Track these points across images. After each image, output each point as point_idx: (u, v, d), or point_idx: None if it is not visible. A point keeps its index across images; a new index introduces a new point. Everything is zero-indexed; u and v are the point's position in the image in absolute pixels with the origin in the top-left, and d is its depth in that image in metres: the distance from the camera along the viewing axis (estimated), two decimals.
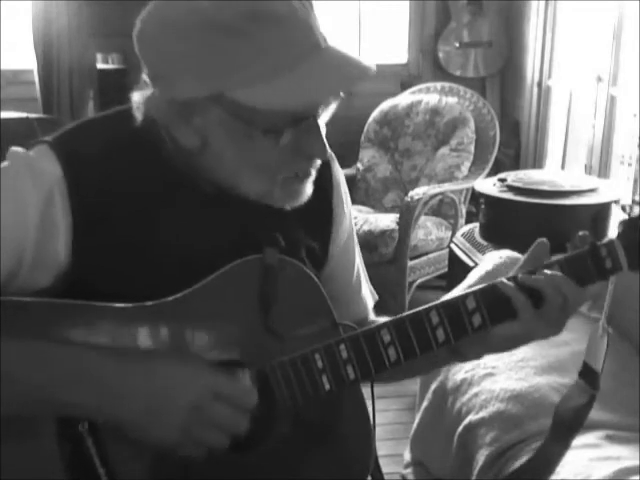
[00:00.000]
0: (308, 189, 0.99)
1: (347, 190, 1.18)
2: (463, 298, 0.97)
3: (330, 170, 1.14)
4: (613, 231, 2.69)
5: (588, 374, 1.06)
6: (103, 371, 0.89)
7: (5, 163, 0.96)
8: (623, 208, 2.42)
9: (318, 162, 0.99)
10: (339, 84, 0.94)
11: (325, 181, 1.11)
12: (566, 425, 1.07)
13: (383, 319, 1.18)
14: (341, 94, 0.97)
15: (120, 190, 0.96)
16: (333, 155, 1.13)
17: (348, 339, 0.97)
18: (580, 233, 0.97)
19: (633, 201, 2.58)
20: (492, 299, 0.96)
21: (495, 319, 0.97)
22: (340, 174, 1.17)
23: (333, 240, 1.14)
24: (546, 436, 1.09)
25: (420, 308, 0.97)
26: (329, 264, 1.14)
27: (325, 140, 0.96)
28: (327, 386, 0.96)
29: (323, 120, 0.97)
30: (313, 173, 0.99)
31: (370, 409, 1.04)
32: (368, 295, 1.22)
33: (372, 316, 1.22)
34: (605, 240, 0.95)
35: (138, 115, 0.96)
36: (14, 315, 0.90)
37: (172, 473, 0.94)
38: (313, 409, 0.99)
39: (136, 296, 0.94)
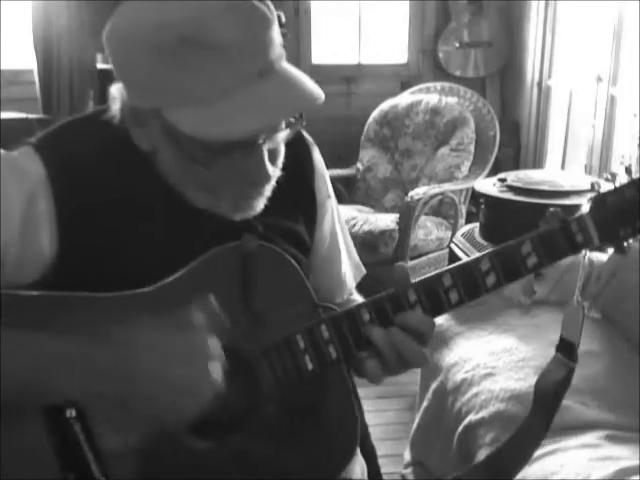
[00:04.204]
0: (259, 204, 1.00)
1: (329, 182, 1.20)
2: (440, 275, 0.98)
3: (310, 155, 1.15)
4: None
5: (565, 347, 1.07)
6: (93, 347, 0.88)
7: None
8: (592, 186, 2.42)
9: (268, 185, 0.99)
10: (264, 119, 0.92)
11: (305, 165, 1.14)
12: (546, 400, 1.09)
13: (357, 297, 1.22)
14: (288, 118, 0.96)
15: (103, 186, 0.98)
16: (313, 142, 1.15)
17: (329, 319, 0.98)
18: (551, 209, 1.00)
19: (606, 179, 2.59)
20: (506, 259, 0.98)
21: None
22: (321, 163, 1.18)
23: (319, 227, 1.16)
24: (527, 415, 1.10)
25: (398, 288, 0.99)
26: (315, 251, 1.16)
27: (268, 164, 0.96)
28: (310, 366, 0.98)
29: (276, 140, 0.97)
30: (264, 192, 0.99)
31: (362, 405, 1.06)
32: (350, 279, 1.25)
33: (350, 296, 1.24)
34: (576, 216, 0.98)
35: (115, 108, 0.98)
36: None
37: (161, 455, 0.95)
38: (298, 390, 1.00)
39: (120, 290, 0.95)
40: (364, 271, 1.28)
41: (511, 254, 0.98)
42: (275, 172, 0.99)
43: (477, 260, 0.98)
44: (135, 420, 0.92)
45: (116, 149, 1.00)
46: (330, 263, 1.21)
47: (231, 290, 0.98)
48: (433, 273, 0.99)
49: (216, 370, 0.88)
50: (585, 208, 0.98)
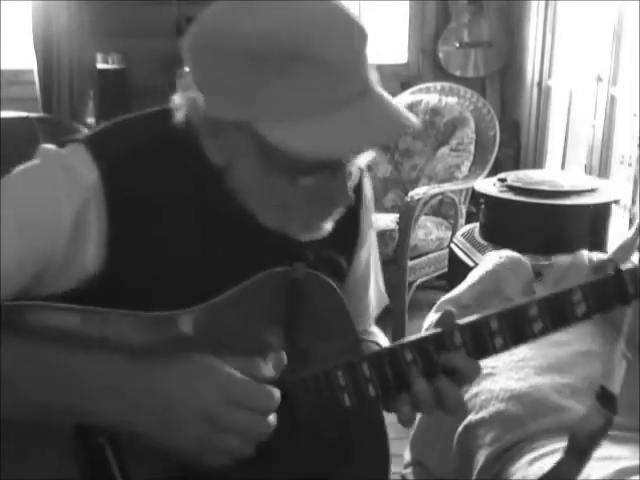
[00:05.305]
0: (327, 226, 0.97)
1: (373, 210, 1.17)
2: (487, 319, 0.95)
3: (361, 184, 1.11)
4: (613, 231, 2.68)
5: (605, 398, 1.08)
6: (116, 381, 0.85)
7: (36, 161, 0.94)
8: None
9: (340, 207, 0.97)
10: (369, 139, 0.89)
11: (355, 193, 1.07)
12: (581, 447, 1.08)
13: (375, 330, 1.20)
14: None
15: (157, 198, 0.94)
16: (365, 170, 1.11)
17: (371, 357, 0.96)
18: (604, 258, 0.98)
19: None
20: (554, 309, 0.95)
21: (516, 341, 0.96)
22: (370, 192, 1.15)
23: (357, 255, 1.14)
24: (562, 455, 1.10)
25: (443, 328, 0.96)
26: (348, 277, 1.13)
27: (349, 187, 0.93)
28: (347, 402, 0.96)
29: (355, 164, 0.95)
30: (335, 214, 0.97)
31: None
32: (374, 308, 1.22)
33: (369, 327, 1.22)
34: (629, 267, 0.96)
35: (179, 116, 0.94)
36: (35, 319, 0.88)
37: (184, 475, 0.91)
38: (333, 425, 0.99)
39: (163, 307, 0.91)
40: (387, 301, 1.25)
41: (561, 301, 0.95)
42: (352, 195, 0.96)
43: (525, 306, 0.95)
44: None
45: (174, 153, 0.95)
46: (360, 290, 1.18)
47: (275, 317, 0.95)
48: (479, 316, 0.96)
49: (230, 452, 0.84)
50: (637, 260, 0.97)
